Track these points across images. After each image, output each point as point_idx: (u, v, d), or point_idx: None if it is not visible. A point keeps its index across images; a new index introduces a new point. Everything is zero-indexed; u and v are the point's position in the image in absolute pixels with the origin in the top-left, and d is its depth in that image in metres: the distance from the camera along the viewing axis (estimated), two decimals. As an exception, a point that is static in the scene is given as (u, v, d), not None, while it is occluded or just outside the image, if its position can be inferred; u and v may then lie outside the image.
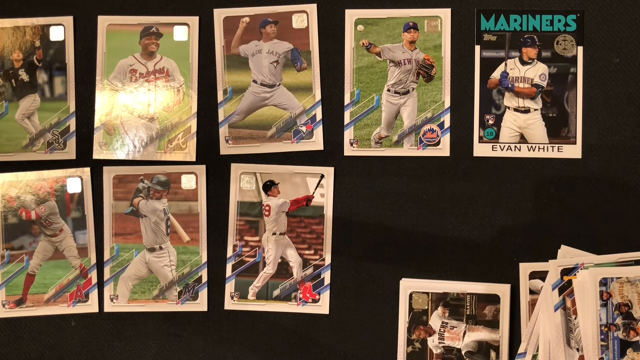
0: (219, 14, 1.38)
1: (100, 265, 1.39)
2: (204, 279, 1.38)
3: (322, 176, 1.37)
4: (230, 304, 1.38)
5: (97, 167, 1.39)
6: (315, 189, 1.37)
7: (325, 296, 1.37)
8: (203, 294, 1.38)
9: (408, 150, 1.36)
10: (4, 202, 1.39)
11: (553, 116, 1.35)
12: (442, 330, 1.34)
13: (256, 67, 1.39)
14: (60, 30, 1.39)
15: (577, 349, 1.26)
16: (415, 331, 1.34)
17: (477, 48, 1.35)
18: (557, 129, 1.34)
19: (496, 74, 1.36)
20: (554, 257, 1.31)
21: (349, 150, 1.37)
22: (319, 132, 1.37)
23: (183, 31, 1.38)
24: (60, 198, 1.39)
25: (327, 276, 1.37)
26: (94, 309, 1.39)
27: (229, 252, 1.38)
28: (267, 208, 1.38)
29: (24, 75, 1.40)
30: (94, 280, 1.39)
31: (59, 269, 1.39)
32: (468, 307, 1.33)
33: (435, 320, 1.34)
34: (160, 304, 1.39)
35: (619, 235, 1.32)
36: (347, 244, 1.37)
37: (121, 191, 1.39)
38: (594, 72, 1.34)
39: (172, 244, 1.39)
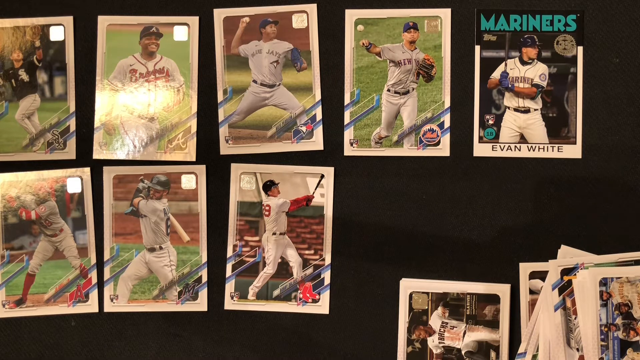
0: (219, 14, 1.38)
1: (100, 265, 1.39)
2: (204, 279, 1.38)
3: (322, 176, 1.37)
4: (230, 304, 1.38)
5: (97, 167, 1.39)
6: (315, 189, 1.37)
7: (325, 296, 1.37)
8: (203, 294, 1.38)
9: (408, 150, 1.36)
10: (4, 202, 1.39)
11: (553, 116, 1.35)
12: (442, 330, 1.34)
13: (256, 67, 1.39)
14: (60, 30, 1.39)
15: (577, 349, 1.26)
16: (415, 331, 1.34)
17: (477, 48, 1.35)
18: (557, 129, 1.34)
19: (496, 74, 1.36)
20: (554, 257, 1.31)
21: (349, 150, 1.37)
22: (319, 132, 1.37)
23: (183, 31, 1.38)
24: (60, 198, 1.39)
25: (327, 276, 1.37)
26: (94, 309, 1.39)
27: (229, 252, 1.38)
28: (267, 208, 1.38)
29: (24, 75, 1.40)
30: (94, 280, 1.39)
31: (59, 269, 1.39)
32: (468, 307, 1.33)
33: (435, 320, 1.34)
34: (160, 304, 1.39)
35: (619, 235, 1.32)
36: (347, 244, 1.37)
37: (121, 191, 1.39)
38: (594, 72, 1.34)
39: (172, 244, 1.39)
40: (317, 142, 1.37)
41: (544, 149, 1.34)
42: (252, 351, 1.38)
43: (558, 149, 1.34)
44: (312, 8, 1.37)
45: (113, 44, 1.39)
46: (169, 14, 1.39)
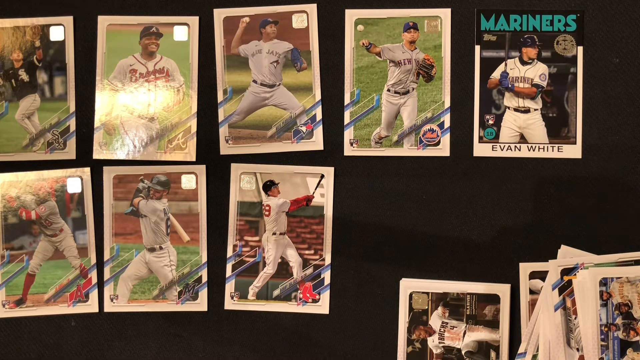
0: (219, 14, 1.38)
1: (100, 265, 1.39)
2: (204, 279, 1.38)
3: (322, 176, 1.37)
4: (230, 304, 1.38)
5: (97, 167, 1.39)
6: (315, 189, 1.37)
7: (325, 296, 1.37)
8: (203, 294, 1.38)
9: (408, 150, 1.36)
10: (4, 202, 1.39)
11: (553, 116, 1.35)
12: (442, 330, 1.34)
13: (256, 67, 1.39)
14: (60, 30, 1.39)
15: (577, 349, 1.26)
16: (415, 331, 1.34)
17: (477, 48, 1.35)
18: (557, 129, 1.34)
19: (496, 74, 1.36)
20: (554, 257, 1.31)
21: (349, 150, 1.37)
22: (319, 132, 1.37)
23: (183, 31, 1.38)
24: (60, 198, 1.39)
25: (327, 276, 1.37)
26: (94, 309, 1.39)
27: (229, 252, 1.38)
28: (267, 208, 1.38)
29: (24, 75, 1.40)
30: (94, 280, 1.39)
31: (59, 269, 1.39)
32: (468, 307, 1.33)
33: (435, 320, 1.34)
34: (160, 304, 1.39)
35: (619, 235, 1.32)
36: (347, 244, 1.37)
37: (121, 191, 1.39)
38: (594, 72, 1.34)
39: (172, 244, 1.39)
40: (317, 142, 1.37)
41: (544, 149, 1.34)
42: (252, 351, 1.38)
43: (558, 149, 1.34)
44: (312, 8, 1.37)
45: (113, 44, 1.39)
46: (169, 14, 1.39)
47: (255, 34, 1.39)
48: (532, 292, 1.32)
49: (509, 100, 1.36)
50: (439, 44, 1.36)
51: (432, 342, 1.34)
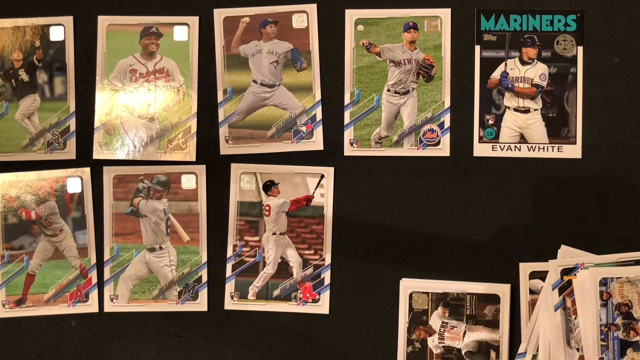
0: (219, 14, 1.38)
1: (100, 265, 1.39)
2: (204, 279, 1.38)
3: (322, 176, 1.37)
4: (230, 304, 1.38)
5: (97, 167, 1.39)
6: (315, 189, 1.37)
7: (325, 296, 1.37)
8: (203, 294, 1.38)
9: (408, 150, 1.36)
10: (4, 202, 1.39)
11: (553, 116, 1.35)
12: (442, 330, 1.34)
13: (256, 67, 1.39)
14: (60, 30, 1.39)
15: (577, 349, 1.26)
16: (415, 331, 1.34)
17: (477, 48, 1.35)
18: (557, 129, 1.34)
19: (496, 74, 1.36)
20: (554, 257, 1.31)
21: (349, 150, 1.37)
22: (319, 132, 1.37)
23: (183, 31, 1.38)
24: (60, 198, 1.39)
25: (327, 276, 1.37)
26: (94, 309, 1.39)
27: (229, 252, 1.38)
28: (267, 208, 1.38)
29: (24, 75, 1.40)
30: (94, 280, 1.39)
31: (59, 269, 1.39)
32: (468, 307, 1.33)
33: (435, 320, 1.34)
34: (160, 304, 1.39)
35: (619, 235, 1.32)
36: (347, 244, 1.37)
37: (121, 191, 1.39)
38: (594, 72, 1.34)
39: (172, 244, 1.39)
40: (317, 142, 1.37)
41: (544, 149, 1.34)
42: (252, 351, 1.38)
43: (558, 149, 1.34)
44: (312, 8, 1.37)
45: (113, 44, 1.39)
46: (169, 14, 1.39)
47: (255, 34, 1.39)
48: (532, 292, 1.32)
49: (509, 100, 1.36)
50: (439, 44, 1.36)
51: (432, 342, 1.34)
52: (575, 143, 1.34)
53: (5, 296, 1.39)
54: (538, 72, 1.35)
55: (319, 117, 1.37)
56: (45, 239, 1.39)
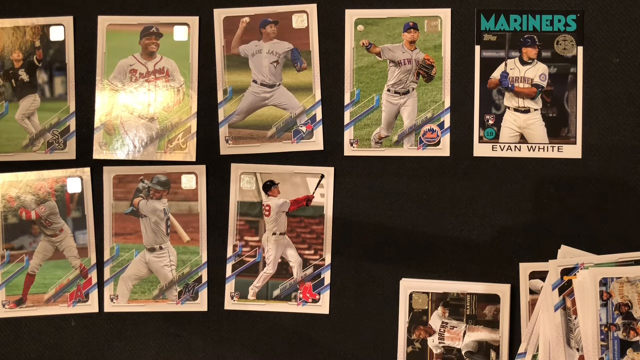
0: (219, 14, 1.38)
1: (100, 265, 1.39)
2: (204, 279, 1.38)
3: (322, 176, 1.37)
4: (230, 304, 1.38)
5: (97, 167, 1.39)
6: (315, 189, 1.37)
7: (325, 296, 1.37)
8: (203, 294, 1.38)
9: (408, 150, 1.36)
10: (4, 202, 1.39)
11: (553, 116, 1.35)
12: (442, 330, 1.34)
13: (256, 67, 1.39)
14: (60, 30, 1.39)
15: (577, 349, 1.26)
16: (415, 331, 1.34)
17: (477, 48, 1.35)
18: (557, 129, 1.34)
19: (496, 74, 1.36)
20: (554, 257, 1.31)
21: (349, 150, 1.37)
22: (319, 132, 1.37)
23: (183, 31, 1.38)
24: (60, 198, 1.39)
25: (327, 276, 1.37)
26: (94, 309, 1.39)
27: (229, 252, 1.38)
28: (267, 208, 1.38)
29: (24, 75, 1.40)
30: (94, 280, 1.39)
31: (59, 269, 1.39)
32: (468, 307, 1.33)
33: (435, 320, 1.34)
34: (160, 304, 1.39)
35: (619, 235, 1.32)
36: (347, 244, 1.37)
37: (121, 191, 1.39)
38: (594, 72, 1.34)
39: (172, 244, 1.39)
40: (317, 142, 1.37)
41: (544, 149, 1.34)
42: (252, 351, 1.38)
43: (558, 149, 1.34)
44: (312, 8, 1.37)
45: (113, 44, 1.39)
46: (169, 14, 1.39)
47: (255, 34, 1.39)
48: (532, 292, 1.32)
49: (509, 100, 1.36)
50: (439, 44, 1.36)
51: (432, 342, 1.34)
52: (575, 143, 1.34)
53: (5, 296, 1.39)
54: (538, 72, 1.35)
55: (319, 117, 1.37)
56: (45, 239, 1.39)
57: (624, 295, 1.24)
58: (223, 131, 1.38)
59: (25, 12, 1.39)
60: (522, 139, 1.35)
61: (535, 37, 1.35)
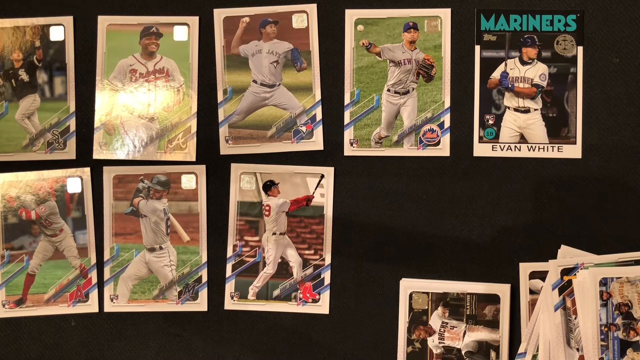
0: (219, 14, 1.38)
1: (100, 265, 1.39)
2: (204, 279, 1.38)
3: (322, 176, 1.37)
4: (230, 304, 1.38)
5: (97, 167, 1.39)
6: (315, 189, 1.37)
7: (325, 296, 1.37)
8: (203, 294, 1.38)
9: (408, 150, 1.36)
10: (4, 202, 1.39)
11: (553, 116, 1.35)
12: (442, 330, 1.34)
13: (256, 67, 1.39)
14: (60, 30, 1.39)
15: (577, 349, 1.26)
16: (415, 331, 1.34)
17: (477, 48, 1.35)
18: (557, 129, 1.34)
19: (496, 74, 1.36)
20: (554, 257, 1.31)
21: (349, 150, 1.37)
22: (319, 132, 1.37)
23: (183, 31, 1.38)
24: (60, 198, 1.39)
25: (327, 276, 1.37)
26: (94, 309, 1.39)
27: (229, 252, 1.38)
28: (267, 208, 1.38)
29: (24, 75, 1.40)
30: (94, 280, 1.39)
31: (59, 269, 1.39)
32: (468, 307, 1.33)
33: (435, 320, 1.34)
34: (160, 304, 1.39)
35: (619, 235, 1.32)
36: (347, 244, 1.37)
37: (121, 191, 1.39)
38: (594, 72, 1.34)
39: (172, 244, 1.39)
40: (317, 142, 1.37)
41: (544, 149, 1.34)
42: (252, 351, 1.38)
43: (558, 149, 1.34)
44: (312, 8, 1.37)
45: (113, 44, 1.39)
46: (169, 14, 1.39)
47: (255, 34, 1.39)
48: (532, 292, 1.32)
49: (509, 100, 1.36)
50: (439, 44, 1.36)
51: (432, 342, 1.34)
52: (575, 143, 1.34)
53: (5, 296, 1.39)
54: (538, 72, 1.35)
55: (319, 117, 1.37)
56: (45, 239, 1.39)
57: (624, 295, 1.24)
58: (223, 131, 1.38)
59: (25, 12, 1.39)
60: (522, 139, 1.35)
61: (535, 37, 1.35)
